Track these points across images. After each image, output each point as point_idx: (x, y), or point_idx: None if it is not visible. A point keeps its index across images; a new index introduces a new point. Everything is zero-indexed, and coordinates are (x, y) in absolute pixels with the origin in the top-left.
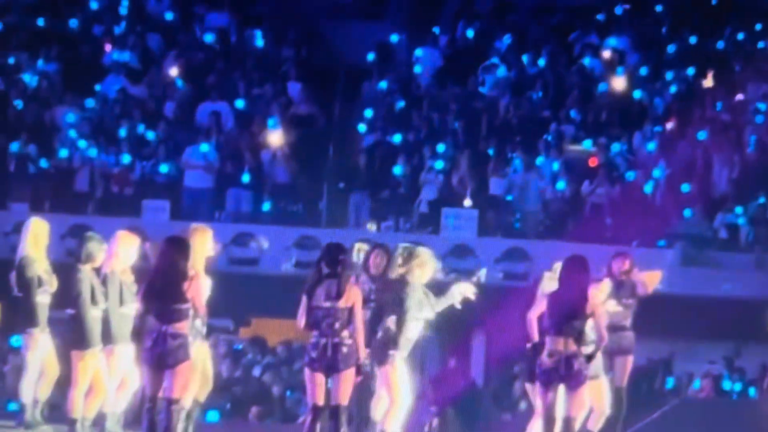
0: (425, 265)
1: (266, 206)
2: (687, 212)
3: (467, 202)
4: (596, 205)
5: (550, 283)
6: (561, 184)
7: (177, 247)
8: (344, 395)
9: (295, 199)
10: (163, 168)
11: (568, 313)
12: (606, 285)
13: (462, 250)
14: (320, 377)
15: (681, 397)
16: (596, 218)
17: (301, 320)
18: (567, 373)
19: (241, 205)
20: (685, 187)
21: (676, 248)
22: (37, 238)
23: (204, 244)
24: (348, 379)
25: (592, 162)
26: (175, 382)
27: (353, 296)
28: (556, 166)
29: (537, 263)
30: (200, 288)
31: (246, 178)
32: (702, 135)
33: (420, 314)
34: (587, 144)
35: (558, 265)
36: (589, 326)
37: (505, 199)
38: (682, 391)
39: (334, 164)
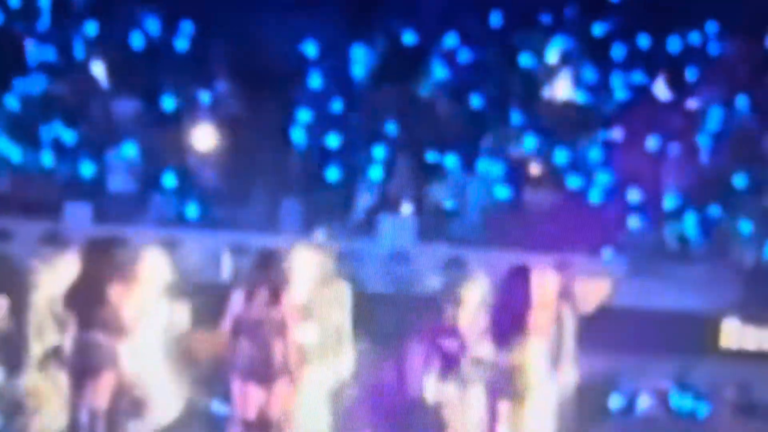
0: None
1: (192, 211)
2: (635, 221)
3: (405, 208)
4: (539, 213)
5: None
6: (502, 191)
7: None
8: (277, 408)
9: (223, 203)
10: (85, 170)
11: (511, 325)
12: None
13: (399, 257)
14: (252, 388)
15: (627, 415)
16: (539, 226)
17: (229, 328)
18: (511, 387)
19: (166, 209)
20: (633, 195)
21: (623, 258)
22: None
23: None
24: (282, 391)
25: (535, 168)
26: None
27: (288, 305)
28: (497, 171)
29: (477, 272)
30: None
31: (171, 181)
32: (651, 141)
33: None
34: (529, 149)
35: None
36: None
37: (445, 205)
38: (628, 409)
39: (265, 167)
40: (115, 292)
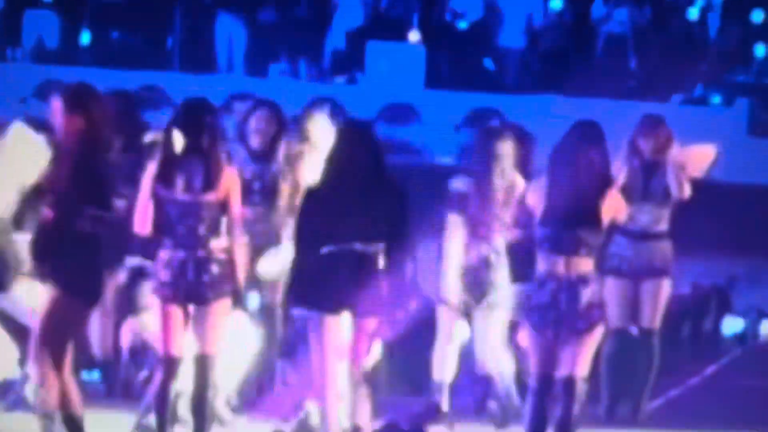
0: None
1: (85, 38)
2: (758, 50)
3: (412, 34)
4: (614, 38)
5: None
6: (557, 2)
7: None
8: (213, 340)
9: (130, 25)
10: None
11: (573, 215)
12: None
13: (401, 111)
14: (176, 311)
15: (744, 344)
16: (614, 59)
17: (142, 222)
18: (570, 309)
19: (45, 36)
20: (757, 11)
21: (740, 108)
22: None
23: None
24: (219, 314)
25: None
26: None
27: (228, 184)
28: None
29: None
30: None
31: None
32: None
33: None
34: None
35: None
36: None
37: (468, 28)
38: (746, 335)
39: None
40: None
